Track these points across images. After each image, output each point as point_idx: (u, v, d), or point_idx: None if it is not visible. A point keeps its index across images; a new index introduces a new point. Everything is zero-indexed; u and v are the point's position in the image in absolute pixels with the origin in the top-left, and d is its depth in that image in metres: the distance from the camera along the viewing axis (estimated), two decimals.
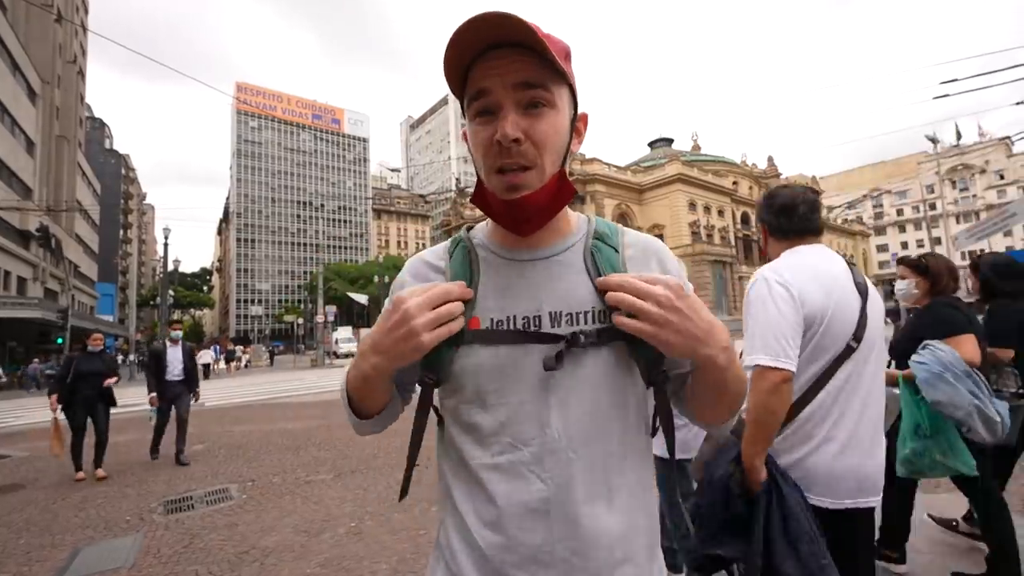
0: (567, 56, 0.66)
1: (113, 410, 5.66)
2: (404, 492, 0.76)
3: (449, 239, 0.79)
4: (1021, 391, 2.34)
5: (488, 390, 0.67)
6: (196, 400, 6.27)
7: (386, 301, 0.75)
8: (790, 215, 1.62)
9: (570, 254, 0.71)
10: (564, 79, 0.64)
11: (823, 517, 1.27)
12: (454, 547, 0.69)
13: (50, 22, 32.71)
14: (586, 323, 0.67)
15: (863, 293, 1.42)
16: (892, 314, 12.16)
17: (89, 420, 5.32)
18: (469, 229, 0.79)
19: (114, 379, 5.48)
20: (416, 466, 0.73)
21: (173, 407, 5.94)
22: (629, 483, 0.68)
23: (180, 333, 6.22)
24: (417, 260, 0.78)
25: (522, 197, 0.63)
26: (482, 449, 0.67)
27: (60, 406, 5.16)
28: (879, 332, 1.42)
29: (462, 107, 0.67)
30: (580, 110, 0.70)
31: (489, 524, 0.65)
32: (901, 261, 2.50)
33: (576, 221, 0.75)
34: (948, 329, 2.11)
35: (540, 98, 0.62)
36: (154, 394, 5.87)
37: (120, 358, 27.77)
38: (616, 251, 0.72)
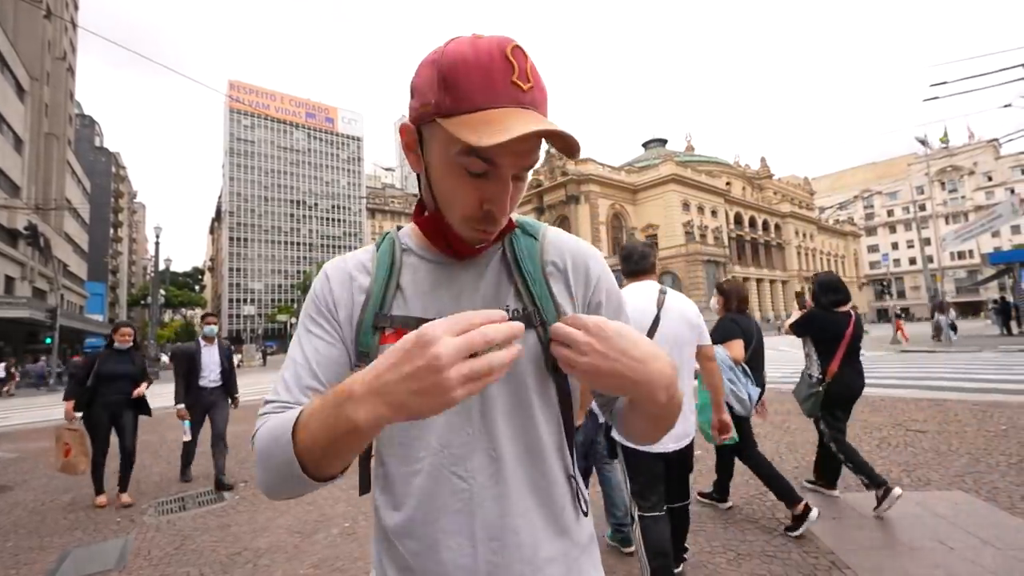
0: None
1: None
2: (364, 488, 0.71)
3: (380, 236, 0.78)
4: (820, 377, 3.41)
5: None
6: (235, 407, 5.20)
7: (305, 307, 0.71)
8: (627, 261, 2.58)
9: (490, 255, 0.71)
10: None
11: (656, 457, 2.17)
12: (383, 561, 0.68)
13: (39, 18, 32.28)
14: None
15: (660, 305, 2.24)
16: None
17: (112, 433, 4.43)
18: (400, 228, 0.78)
19: (145, 385, 4.57)
20: (372, 456, 0.71)
21: (208, 418, 4.85)
22: (555, 478, 0.68)
23: (215, 328, 5.03)
24: (339, 260, 0.74)
25: (478, 247, 0.67)
26: (404, 455, 0.65)
27: (78, 414, 4.29)
28: (674, 331, 2.22)
29: (433, 112, 0.59)
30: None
31: (412, 536, 0.64)
32: (717, 286, 3.69)
33: None
34: (724, 336, 3.19)
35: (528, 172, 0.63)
36: (182, 405, 4.72)
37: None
38: (535, 238, 0.73)
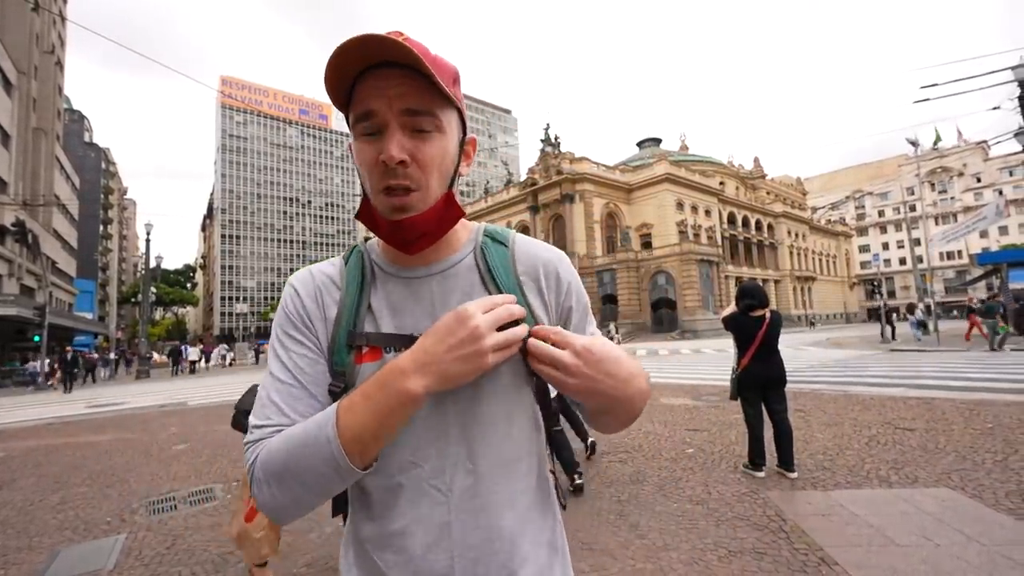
0: (455, 80, 0.66)
1: (91, 410, 5.50)
2: (338, 508, 0.72)
3: (347, 249, 0.78)
4: (735, 367, 4.14)
5: None
6: None
7: (278, 322, 0.70)
8: (753, 297, 3.75)
9: (462, 267, 0.71)
10: (452, 103, 0.64)
11: None
12: (353, 570, 0.68)
13: (26, 10, 31.75)
14: None
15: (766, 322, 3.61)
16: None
17: None
18: (367, 240, 0.77)
19: None
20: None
21: None
22: (529, 485, 0.69)
23: None
24: (306, 274, 0.73)
25: (407, 218, 0.62)
26: (380, 468, 0.64)
27: None
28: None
29: (347, 121, 0.65)
30: (469, 133, 0.70)
31: (390, 548, 0.64)
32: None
33: (468, 232, 0.75)
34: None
35: (427, 122, 0.62)
36: None
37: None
38: (505, 246, 0.74)
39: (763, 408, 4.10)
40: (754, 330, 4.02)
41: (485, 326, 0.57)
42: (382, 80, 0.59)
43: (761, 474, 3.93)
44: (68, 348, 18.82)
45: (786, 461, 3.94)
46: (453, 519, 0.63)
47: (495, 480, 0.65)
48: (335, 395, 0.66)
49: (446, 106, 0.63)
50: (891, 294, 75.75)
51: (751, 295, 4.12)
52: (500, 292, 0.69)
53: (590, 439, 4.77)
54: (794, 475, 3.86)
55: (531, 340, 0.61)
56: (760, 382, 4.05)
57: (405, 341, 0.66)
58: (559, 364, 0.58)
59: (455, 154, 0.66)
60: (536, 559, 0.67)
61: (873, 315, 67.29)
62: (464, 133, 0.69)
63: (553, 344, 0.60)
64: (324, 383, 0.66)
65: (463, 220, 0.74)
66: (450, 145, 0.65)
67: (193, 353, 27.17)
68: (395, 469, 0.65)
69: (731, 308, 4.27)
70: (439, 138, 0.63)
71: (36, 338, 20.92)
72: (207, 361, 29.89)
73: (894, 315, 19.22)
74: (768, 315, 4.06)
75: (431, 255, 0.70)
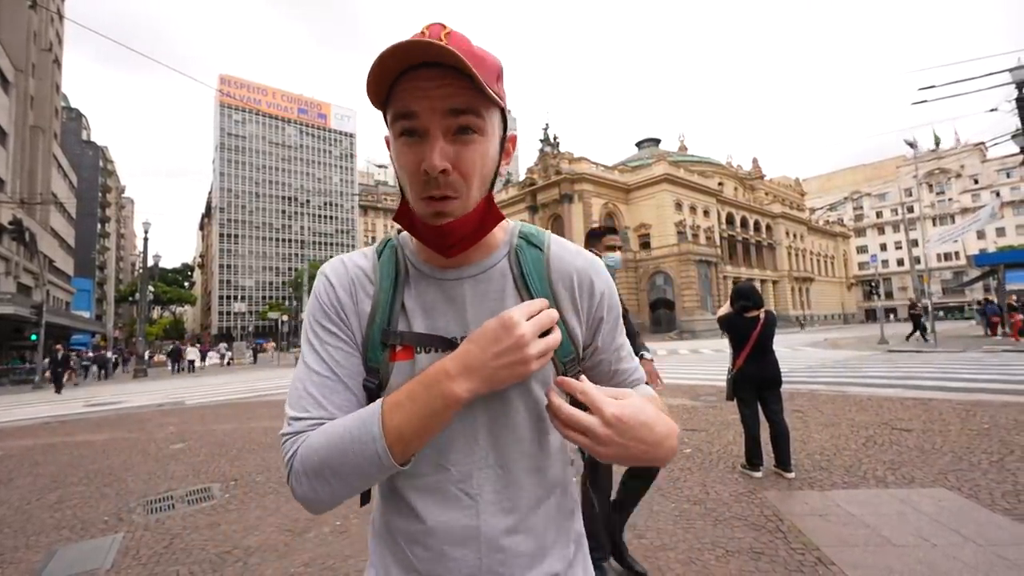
0: (499, 76, 0.64)
1: (88, 409, 5.49)
2: (366, 498, 0.72)
3: (378, 242, 0.77)
4: (731, 367, 4.19)
5: None
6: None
7: (311, 312, 0.70)
8: (748, 298, 3.73)
9: (495, 271, 0.70)
10: (495, 103, 0.62)
11: None
12: (387, 560, 0.69)
13: (24, 8, 31.64)
14: None
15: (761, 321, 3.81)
16: None
17: None
18: (400, 232, 0.75)
19: None
20: None
21: None
22: (557, 488, 0.70)
23: None
24: (340, 264, 0.73)
25: (447, 224, 0.61)
26: (409, 470, 0.64)
27: None
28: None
29: (384, 118, 0.63)
30: (510, 131, 0.69)
31: (420, 544, 0.66)
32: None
33: (504, 233, 0.74)
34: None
35: (470, 124, 0.60)
36: None
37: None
38: (540, 250, 0.72)
39: (759, 408, 4.13)
40: (749, 330, 4.09)
41: (530, 334, 0.58)
42: (424, 80, 0.58)
43: (759, 474, 3.95)
44: (58, 346, 17.54)
45: (783, 461, 3.95)
46: (481, 522, 0.64)
47: (523, 484, 0.67)
48: (369, 391, 0.67)
49: (489, 105, 0.61)
50: (888, 295, 76.00)
51: (746, 296, 4.19)
52: (532, 294, 0.69)
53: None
54: (791, 475, 3.87)
55: (555, 400, 0.59)
56: (755, 382, 4.10)
57: (437, 342, 0.67)
58: (589, 433, 0.56)
59: (496, 155, 0.65)
60: (563, 558, 0.69)
61: (871, 316, 67.52)
62: (505, 130, 0.67)
63: (580, 401, 0.58)
64: (359, 376, 0.67)
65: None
66: (491, 147, 0.64)
67: (191, 353, 27.64)
68: (423, 471, 0.66)
69: (726, 308, 4.31)
70: (481, 142, 0.61)
71: (33, 337, 20.87)
72: (202, 360, 30.08)
73: (919, 316, 18.87)
74: (763, 316, 4.13)
75: (465, 258, 0.69)
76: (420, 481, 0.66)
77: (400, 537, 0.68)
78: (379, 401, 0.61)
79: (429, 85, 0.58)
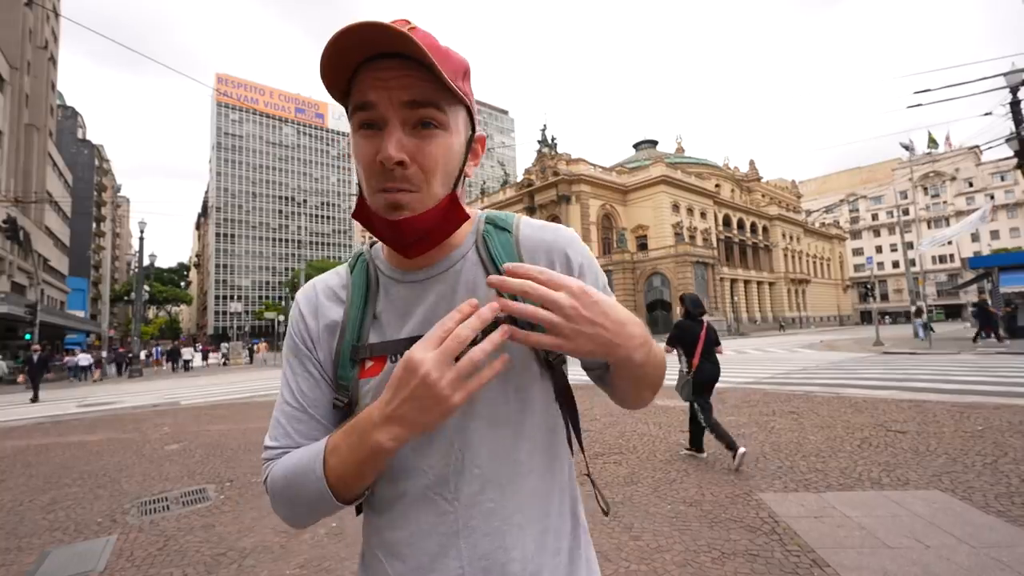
0: (465, 74, 0.62)
1: (83, 409, 5.46)
2: (361, 508, 0.71)
3: (351, 257, 0.75)
4: (687, 369, 4.58)
5: None
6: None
7: (286, 339, 0.72)
8: (694, 307, 4.64)
9: (466, 262, 0.67)
10: (459, 99, 0.60)
11: None
12: None
13: (19, 5, 31.46)
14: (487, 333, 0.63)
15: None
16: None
17: None
18: (372, 245, 0.74)
19: None
20: None
21: None
22: (540, 490, 0.65)
23: None
24: (310, 288, 0.72)
25: (404, 219, 0.58)
26: (388, 476, 0.63)
27: None
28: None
29: (347, 112, 0.61)
30: (478, 131, 0.66)
31: (398, 555, 0.63)
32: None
33: (470, 222, 0.70)
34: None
35: (431, 118, 0.57)
36: None
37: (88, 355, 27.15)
38: (509, 232, 0.69)
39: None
40: (698, 333, 4.59)
41: (435, 369, 0.50)
42: (383, 71, 0.56)
43: (704, 455, 4.65)
44: (36, 346, 15.05)
45: (698, 445, 4.71)
46: (461, 527, 0.61)
47: (503, 484, 0.62)
48: (339, 408, 0.66)
49: (453, 101, 0.59)
50: (884, 297, 76.44)
51: (698, 303, 4.78)
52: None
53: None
54: (704, 455, 4.65)
55: (516, 282, 0.53)
56: (712, 380, 4.58)
57: (407, 345, 0.63)
58: (554, 305, 0.52)
59: (461, 153, 0.62)
60: (553, 568, 0.64)
61: (866, 318, 67.82)
62: (472, 130, 0.65)
63: (543, 284, 0.53)
64: (326, 405, 0.67)
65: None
66: (455, 143, 0.61)
67: (187, 353, 28.83)
68: (399, 476, 0.64)
69: (680, 309, 4.82)
70: (443, 136, 0.59)
71: (28, 336, 20.72)
72: (204, 360, 31.09)
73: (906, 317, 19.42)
74: (705, 321, 4.73)
75: (434, 255, 0.67)
76: (396, 488, 0.64)
77: (380, 551, 0.65)
78: (324, 440, 0.61)
79: (388, 75, 0.56)
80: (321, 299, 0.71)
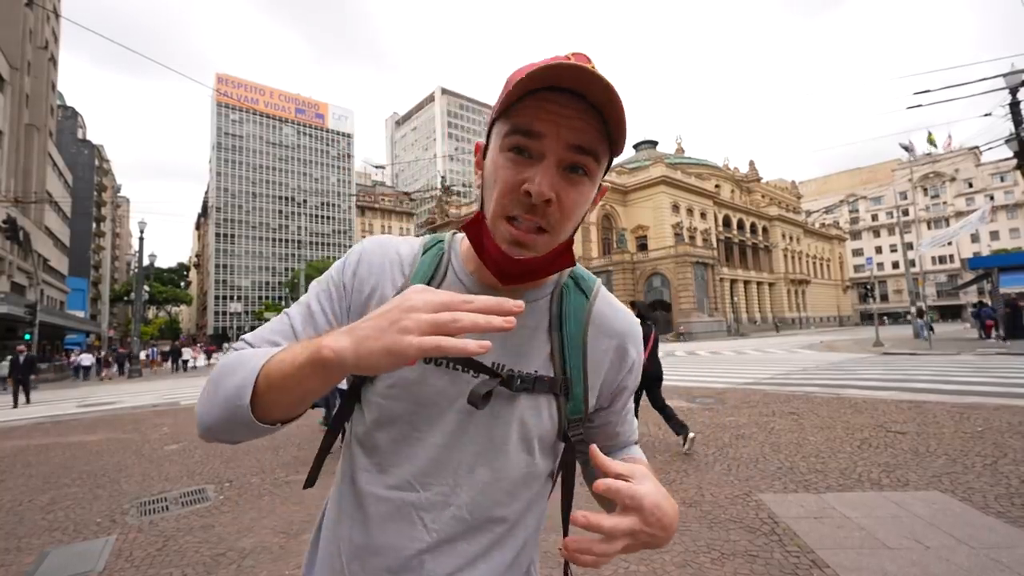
0: (624, 130, 0.60)
1: (83, 409, 5.46)
2: (311, 481, 0.69)
3: (428, 235, 0.73)
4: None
5: (405, 414, 0.63)
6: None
7: (326, 277, 0.69)
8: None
9: (538, 305, 0.66)
10: (614, 152, 0.59)
11: None
12: (316, 569, 0.67)
13: (20, 5, 31.48)
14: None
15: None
16: None
17: None
18: (455, 234, 0.72)
19: None
20: (330, 454, 0.70)
21: None
22: (514, 546, 0.66)
23: None
24: (377, 246, 0.69)
25: (523, 259, 0.58)
26: (378, 477, 0.63)
27: None
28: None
29: (491, 122, 0.61)
30: (604, 182, 0.65)
31: (359, 560, 0.62)
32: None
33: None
34: None
35: (585, 165, 0.57)
36: None
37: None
38: (586, 297, 0.69)
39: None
40: (648, 335, 5.00)
41: (423, 304, 0.45)
42: (560, 106, 0.54)
43: (694, 434, 4.95)
44: (21, 347, 13.63)
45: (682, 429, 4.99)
46: (428, 557, 0.61)
47: (479, 540, 0.63)
48: (354, 386, 0.66)
49: (607, 153, 0.58)
50: (884, 297, 76.45)
51: (647, 310, 5.35)
52: (563, 341, 0.66)
53: None
54: (692, 434, 4.92)
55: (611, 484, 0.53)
56: (658, 379, 5.16)
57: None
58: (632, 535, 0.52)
59: (590, 202, 0.61)
60: None
61: (865, 318, 67.81)
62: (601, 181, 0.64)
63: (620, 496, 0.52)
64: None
65: None
66: (592, 193, 0.60)
67: (185, 353, 29.42)
68: (394, 484, 0.62)
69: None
70: (587, 184, 0.58)
71: (27, 336, 20.72)
72: (209, 359, 31.90)
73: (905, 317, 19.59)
74: (652, 326, 5.17)
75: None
76: (387, 494, 0.62)
77: (343, 545, 0.64)
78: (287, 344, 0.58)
79: (565, 112, 0.55)
80: (385, 262, 0.68)
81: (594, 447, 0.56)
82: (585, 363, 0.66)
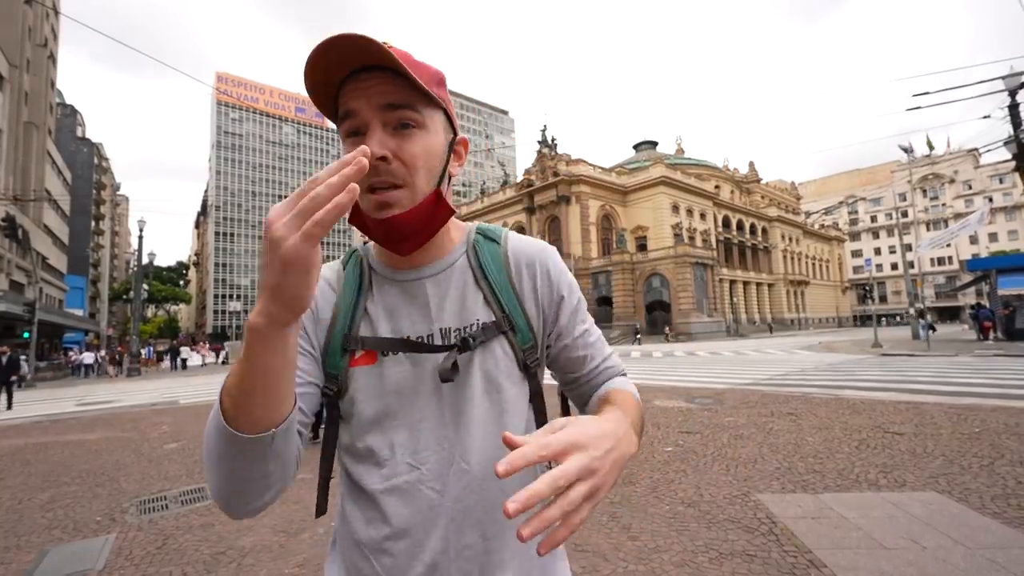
0: (440, 82, 0.66)
1: (81, 408, 5.46)
2: (321, 510, 0.73)
3: (347, 252, 0.78)
4: None
5: (384, 412, 0.66)
6: None
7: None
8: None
9: (455, 268, 0.72)
10: (436, 103, 0.64)
11: None
12: (349, 573, 0.68)
13: (19, 3, 31.42)
14: (474, 331, 0.68)
15: None
16: None
17: None
18: (366, 243, 0.76)
19: None
20: (332, 478, 0.73)
21: None
22: (524, 484, 0.66)
23: None
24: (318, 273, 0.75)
25: (393, 216, 0.62)
26: (379, 472, 0.66)
27: None
28: None
29: (337, 128, 0.66)
30: (460, 135, 0.70)
31: (387, 553, 0.64)
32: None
33: (461, 233, 0.76)
34: None
35: (408, 119, 0.62)
36: None
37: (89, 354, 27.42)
38: (498, 244, 0.75)
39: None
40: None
41: (279, 212, 0.44)
42: (363, 82, 0.60)
43: None
44: (4, 348, 12.63)
45: None
46: (449, 520, 0.64)
47: (487, 478, 0.66)
48: (328, 397, 0.68)
49: (428, 104, 0.64)
50: (883, 299, 76.54)
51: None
52: (492, 289, 0.70)
53: None
54: None
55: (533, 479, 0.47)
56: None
57: (400, 345, 0.67)
58: (572, 505, 0.47)
59: (443, 153, 0.66)
60: (532, 559, 0.67)
61: (865, 320, 67.90)
62: (454, 134, 0.69)
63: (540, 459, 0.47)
64: (320, 380, 0.68)
65: (456, 222, 0.75)
66: (435, 143, 0.64)
67: (184, 352, 29.85)
68: (395, 472, 0.66)
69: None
70: (422, 135, 0.63)
71: (26, 334, 20.70)
72: (217, 358, 31.96)
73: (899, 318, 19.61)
74: None
75: (424, 257, 0.70)
76: (390, 483, 0.65)
77: (366, 548, 0.66)
78: None
79: (367, 84, 0.60)
80: (319, 292, 0.72)
81: (506, 433, 0.48)
82: (517, 295, 0.72)
